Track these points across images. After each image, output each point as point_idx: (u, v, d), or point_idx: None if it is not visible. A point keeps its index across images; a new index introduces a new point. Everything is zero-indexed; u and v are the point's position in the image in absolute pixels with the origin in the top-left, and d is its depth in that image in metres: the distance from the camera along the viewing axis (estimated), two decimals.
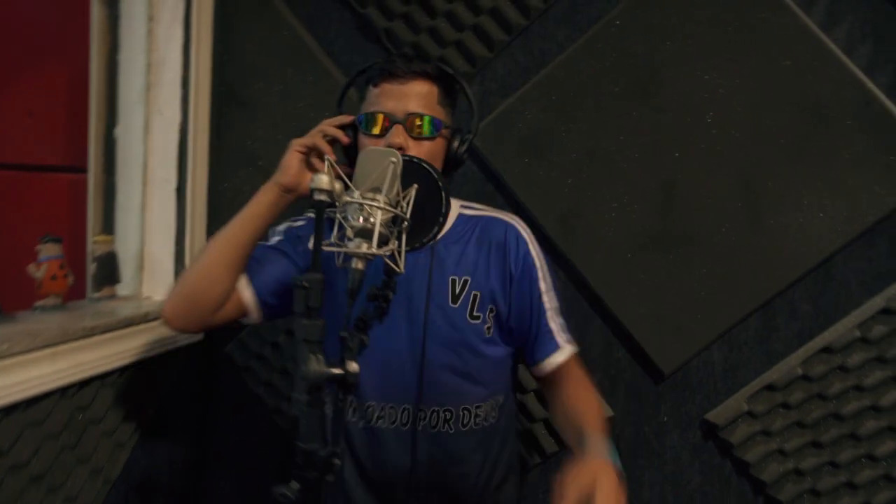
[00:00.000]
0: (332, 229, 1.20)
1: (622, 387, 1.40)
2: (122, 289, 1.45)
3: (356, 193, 0.83)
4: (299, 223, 1.12)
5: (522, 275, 1.05)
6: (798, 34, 1.26)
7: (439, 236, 0.97)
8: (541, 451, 1.43)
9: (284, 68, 1.48)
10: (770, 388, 1.31)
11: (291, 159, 1.03)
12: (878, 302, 1.26)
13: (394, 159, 0.83)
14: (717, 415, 1.34)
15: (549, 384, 1.09)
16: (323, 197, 0.76)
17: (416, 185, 0.90)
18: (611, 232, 1.35)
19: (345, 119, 1.07)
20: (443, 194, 0.96)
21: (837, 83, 1.25)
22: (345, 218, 0.84)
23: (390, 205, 0.85)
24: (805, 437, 1.31)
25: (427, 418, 1.03)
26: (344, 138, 1.05)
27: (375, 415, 1.04)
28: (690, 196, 1.32)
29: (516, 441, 1.18)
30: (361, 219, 0.83)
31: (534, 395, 1.42)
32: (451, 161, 1.04)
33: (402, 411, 1.04)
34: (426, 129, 1.00)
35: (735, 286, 1.31)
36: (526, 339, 1.07)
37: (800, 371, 1.29)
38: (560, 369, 1.06)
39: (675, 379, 1.37)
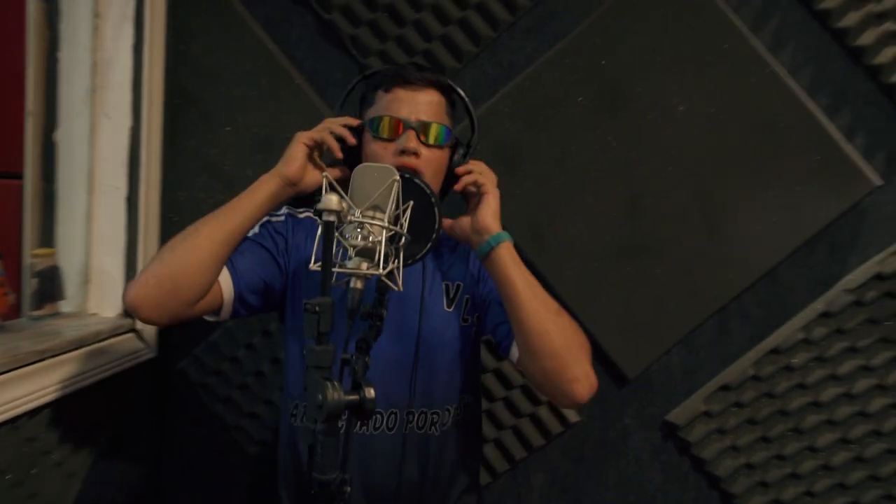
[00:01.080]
0: (297, 232, 1.17)
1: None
2: (66, 305, 1.35)
3: (358, 212, 0.81)
4: (277, 218, 1.09)
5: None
6: (748, 57, 1.34)
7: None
8: (510, 457, 1.45)
9: (244, 72, 1.42)
10: (725, 388, 1.39)
11: (297, 151, 1.02)
12: (818, 306, 1.37)
13: (396, 177, 0.82)
14: (676, 415, 1.40)
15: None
16: (332, 218, 0.74)
17: (411, 202, 0.90)
18: (578, 241, 1.39)
19: (351, 121, 1.07)
20: (436, 210, 0.97)
21: (783, 104, 1.34)
22: (342, 236, 0.82)
23: (390, 223, 0.84)
24: (755, 433, 1.40)
25: (415, 421, 1.04)
26: (351, 139, 1.04)
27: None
28: (653, 207, 1.38)
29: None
30: (360, 237, 0.82)
31: (502, 403, 1.43)
32: (451, 174, 1.07)
33: (390, 415, 1.04)
34: (439, 138, 1.02)
35: (693, 293, 1.38)
36: (501, 325, 1.06)
37: (751, 371, 1.38)
38: None
39: (637, 382, 1.42)
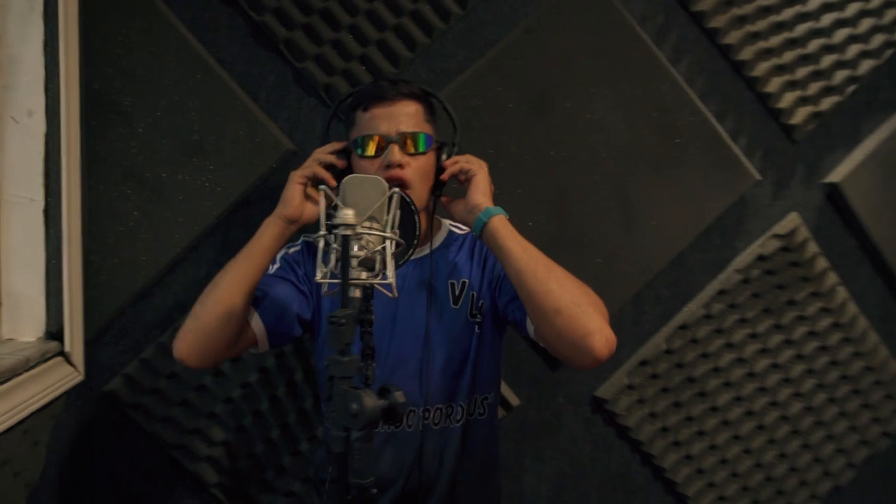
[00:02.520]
0: (314, 256, 1.19)
1: (524, 376, 1.55)
2: None
3: (358, 227, 0.83)
4: (293, 249, 1.16)
5: (495, 262, 1.15)
6: (653, 67, 1.50)
7: (435, 247, 1.14)
8: None
9: (170, 75, 1.35)
10: (643, 363, 1.56)
11: (293, 191, 1.07)
12: (715, 285, 1.58)
13: (396, 190, 0.86)
14: (603, 391, 1.56)
15: None
16: (349, 232, 0.76)
17: (398, 211, 0.93)
18: None
19: (337, 145, 1.12)
20: (416, 217, 1.01)
21: (682, 109, 1.52)
22: (330, 247, 0.84)
23: (384, 232, 0.87)
24: (668, 399, 1.60)
25: (430, 417, 1.10)
26: (340, 163, 1.10)
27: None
28: (577, 203, 1.51)
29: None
30: (357, 247, 0.85)
31: None
32: (440, 173, 1.13)
33: (409, 413, 1.10)
34: (420, 146, 1.08)
35: (614, 280, 1.53)
36: (513, 301, 1.10)
37: (664, 346, 1.56)
38: None
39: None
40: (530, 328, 1.08)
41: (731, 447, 1.64)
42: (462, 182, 1.13)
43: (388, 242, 0.83)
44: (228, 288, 1.01)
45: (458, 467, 1.13)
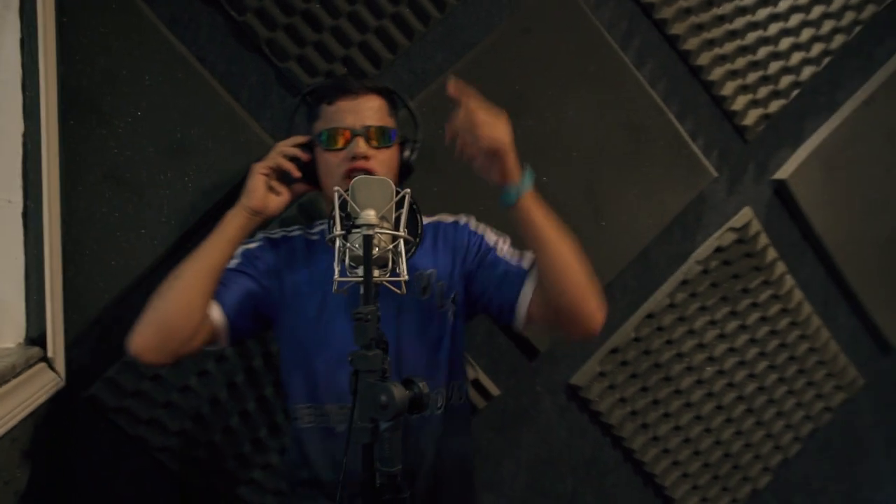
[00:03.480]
0: (277, 252, 1.20)
1: (503, 367, 1.61)
2: None
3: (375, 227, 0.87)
4: (254, 244, 1.15)
5: (469, 246, 1.18)
6: (620, 71, 1.59)
7: None
8: None
9: (150, 74, 1.33)
10: (614, 350, 1.65)
11: (257, 182, 1.08)
12: (678, 276, 1.69)
13: (408, 191, 0.90)
14: (578, 378, 1.64)
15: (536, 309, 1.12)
16: (371, 232, 0.79)
17: (403, 210, 0.97)
18: None
19: (300, 139, 1.13)
20: (418, 216, 1.05)
21: (647, 111, 1.62)
22: (353, 245, 0.87)
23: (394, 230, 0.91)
24: (637, 385, 1.69)
25: None
26: (304, 156, 1.11)
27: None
28: (551, 198, 1.56)
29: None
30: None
31: None
32: (404, 168, 1.16)
33: None
34: (385, 140, 1.10)
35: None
36: (499, 288, 1.12)
37: (633, 335, 1.66)
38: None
39: (545, 354, 1.63)
40: (520, 319, 1.11)
41: (693, 427, 1.75)
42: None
43: (400, 241, 0.87)
44: (191, 279, 1.00)
45: (440, 454, 1.15)
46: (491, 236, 1.21)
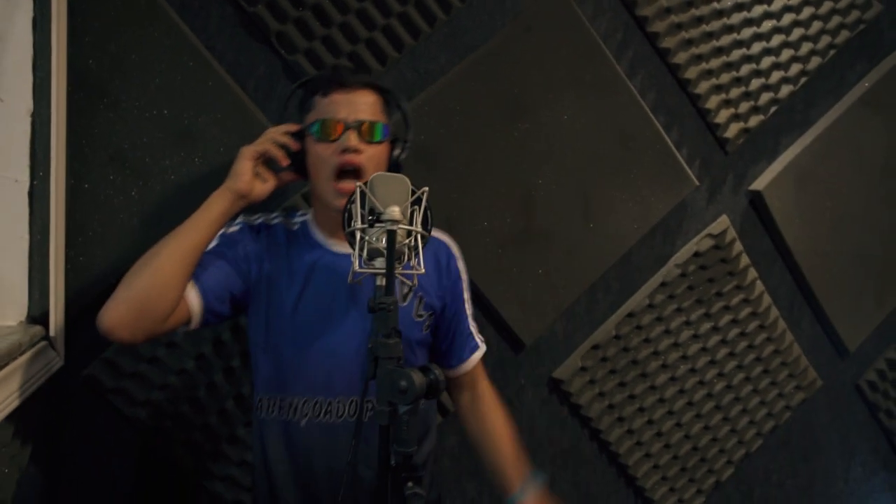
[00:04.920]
0: (256, 238, 1.20)
1: (489, 359, 1.65)
2: None
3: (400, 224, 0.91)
4: (233, 228, 1.15)
5: (453, 286, 1.23)
6: (613, 81, 1.66)
7: None
8: None
9: (159, 60, 1.34)
10: (595, 347, 1.73)
11: (243, 166, 1.07)
12: (658, 279, 1.78)
13: (426, 189, 0.95)
14: (560, 372, 1.71)
15: (460, 385, 1.27)
16: (395, 227, 0.84)
17: (418, 207, 1.02)
18: (483, 229, 1.60)
19: (292, 127, 1.13)
20: (429, 213, 1.09)
21: (636, 119, 1.69)
22: (371, 239, 0.92)
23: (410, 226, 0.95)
24: (615, 380, 1.78)
25: (372, 409, 1.14)
26: (294, 145, 1.11)
27: (323, 409, 1.10)
28: (543, 201, 1.65)
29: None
30: (384, 240, 0.93)
31: None
32: (393, 166, 1.16)
33: (350, 403, 1.12)
34: (377, 135, 1.10)
35: (575, 271, 1.68)
36: (451, 341, 1.23)
37: (614, 332, 1.74)
38: (475, 368, 1.26)
39: (530, 348, 1.70)
40: (450, 374, 1.24)
41: (666, 421, 1.85)
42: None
43: (417, 236, 0.92)
44: (170, 257, 0.99)
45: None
46: (465, 283, 1.26)
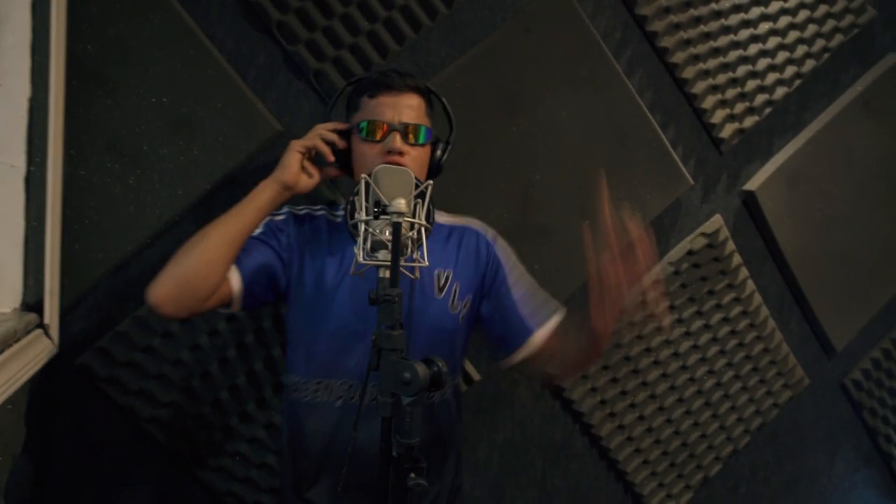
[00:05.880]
0: (301, 227, 1.22)
1: (485, 354, 1.68)
2: None
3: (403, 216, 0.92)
4: (278, 217, 1.19)
5: (494, 273, 1.24)
6: (611, 78, 1.67)
7: None
8: None
9: (159, 48, 1.33)
10: None
11: (292, 159, 1.12)
12: (651, 276, 1.79)
13: (430, 182, 0.95)
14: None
15: (537, 362, 1.23)
16: (400, 220, 0.84)
17: (422, 201, 1.02)
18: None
19: (339, 125, 1.18)
20: (431, 207, 1.10)
21: (634, 117, 1.70)
22: (375, 231, 0.92)
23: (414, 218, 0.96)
24: (608, 376, 1.79)
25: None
26: (341, 143, 1.16)
27: (357, 393, 1.12)
28: (541, 196, 1.65)
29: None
30: (388, 233, 0.93)
31: None
32: (434, 167, 1.20)
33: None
34: (421, 138, 1.14)
35: (571, 266, 1.69)
36: (505, 326, 1.21)
37: None
38: (548, 341, 1.21)
39: None
40: (509, 361, 1.22)
41: (656, 417, 1.87)
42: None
43: (421, 228, 0.93)
44: (216, 241, 1.05)
45: (425, 440, 1.19)
46: (509, 266, 1.25)
